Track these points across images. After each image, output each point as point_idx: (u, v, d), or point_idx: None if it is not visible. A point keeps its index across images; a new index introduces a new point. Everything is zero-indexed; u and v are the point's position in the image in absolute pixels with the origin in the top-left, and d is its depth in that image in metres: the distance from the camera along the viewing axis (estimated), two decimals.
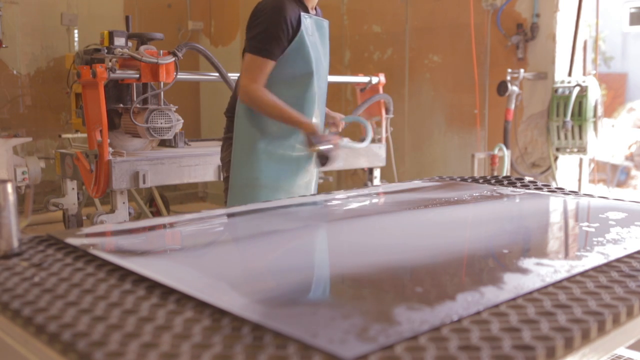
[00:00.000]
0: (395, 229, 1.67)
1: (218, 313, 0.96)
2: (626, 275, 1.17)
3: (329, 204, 1.99)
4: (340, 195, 2.09)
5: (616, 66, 14.20)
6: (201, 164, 3.63)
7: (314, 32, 2.41)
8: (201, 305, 0.99)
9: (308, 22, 2.36)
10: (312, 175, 2.59)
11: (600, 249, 1.35)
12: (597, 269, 1.20)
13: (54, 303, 1.00)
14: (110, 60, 3.41)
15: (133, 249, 1.41)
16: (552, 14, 4.26)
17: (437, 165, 5.01)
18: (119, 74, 3.37)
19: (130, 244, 1.48)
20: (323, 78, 2.50)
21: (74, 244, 1.36)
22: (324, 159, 2.24)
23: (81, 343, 0.84)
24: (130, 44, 3.69)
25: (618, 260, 1.27)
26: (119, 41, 3.57)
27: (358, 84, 4.50)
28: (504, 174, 3.98)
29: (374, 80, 4.41)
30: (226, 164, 2.52)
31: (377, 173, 4.43)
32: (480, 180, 2.33)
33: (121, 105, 3.56)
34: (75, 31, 5.77)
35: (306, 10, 2.38)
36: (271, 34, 2.27)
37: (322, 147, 2.23)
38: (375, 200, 2.12)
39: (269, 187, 2.40)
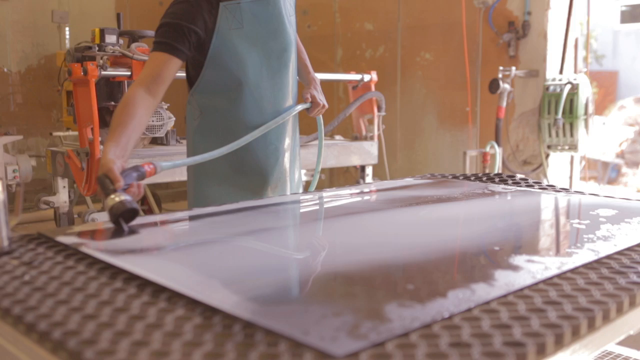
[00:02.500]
0: (387, 227, 1.67)
1: (209, 311, 0.96)
2: (616, 271, 1.17)
3: (321, 201, 1.99)
4: (332, 192, 2.09)
5: (607, 64, 14.26)
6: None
7: (249, 22, 1.95)
8: (192, 303, 0.99)
9: (237, 13, 1.93)
10: (281, 186, 2.20)
11: (590, 245, 1.35)
12: (588, 266, 1.21)
13: (44, 301, 1.00)
14: (101, 58, 3.40)
15: (124, 247, 1.41)
16: (544, 11, 4.28)
17: (429, 163, 5.01)
18: (110, 71, 3.36)
19: (122, 242, 1.48)
20: (278, 75, 2.06)
21: (65, 242, 1.36)
22: (120, 214, 1.49)
23: (71, 341, 0.84)
24: (121, 41, 3.68)
25: (608, 257, 1.27)
26: (110, 39, 3.56)
27: (350, 81, 4.50)
28: (496, 172, 4.00)
29: (366, 77, 4.41)
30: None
31: (369, 171, 4.44)
32: (472, 178, 2.33)
33: (113, 103, 3.55)
34: (67, 28, 5.74)
35: None
36: (174, 26, 1.88)
37: (119, 199, 1.49)
38: (367, 198, 2.12)
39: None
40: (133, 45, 3.50)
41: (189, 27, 1.87)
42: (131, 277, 1.13)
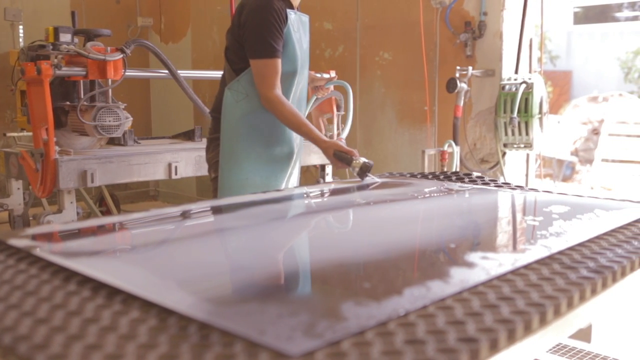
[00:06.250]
0: (345, 226, 1.68)
1: (165, 312, 0.95)
2: (567, 267, 1.20)
3: (279, 201, 1.98)
4: (291, 192, 2.09)
5: (561, 64, 14.55)
6: (151, 162, 3.58)
7: (298, 28, 2.43)
8: (148, 305, 0.98)
9: (293, 19, 2.38)
10: (297, 171, 2.66)
11: (543, 242, 1.38)
12: (540, 262, 1.24)
13: None
14: (55, 57, 3.33)
15: (79, 249, 1.39)
16: (499, 12, 4.34)
17: (389, 162, 5.05)
18: (65, 71, 3.30)
19: (77, 244, 1.45)
20: (305, 76, 2.54)
21: (17, 245, 1.33)
22: (366, 169, 2.22)
23: (22, 347, 0.82)
24: (76, 40, 3.62)
25: (560, 252, 1.30)
26: (65, 37, 3.49)
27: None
28: (454, 170, 4.05)
29: (325, 77, 4.40)
30: (214, 164, 2.52)
31: (329, 170, 4.44)
32: (430, 176, 2.36)
33: (68, 102, 3.48)
34: (20, 27, 5.61)
35: (291, 7, 2.39)
36: (270, 32, 2.28)
37: (362, 160, 2.22)
38: (325, 197, 2.13)
39: (259, 187, 2.40)
40: (88, 44, 3.44)
41: (279, 29, 2.30)
42: (85, 280, 1.11)
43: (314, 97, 2.91)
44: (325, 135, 4.37)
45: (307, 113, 2.76)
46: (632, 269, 1.26)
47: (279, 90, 2.33)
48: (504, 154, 4.34)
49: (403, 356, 0.80)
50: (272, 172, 2.47)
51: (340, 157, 2.27)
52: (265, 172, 2.45)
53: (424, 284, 1.07)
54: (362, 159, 2.22)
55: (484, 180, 2.24)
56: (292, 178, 2.60)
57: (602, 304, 1.16)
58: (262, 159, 2.45)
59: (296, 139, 2.56)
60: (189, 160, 3.69)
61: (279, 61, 2.32)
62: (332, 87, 2.87)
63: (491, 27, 4.37)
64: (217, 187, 2.50)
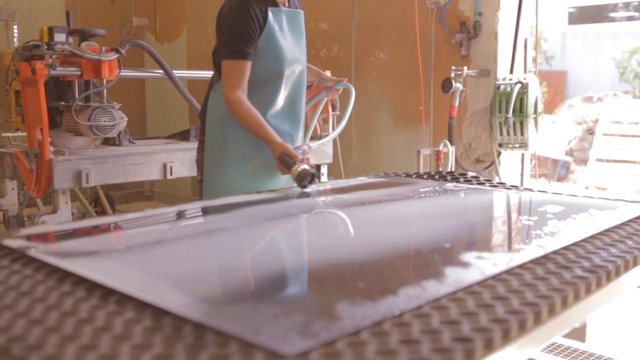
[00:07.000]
0: (340, 226, 1.68)
1: (159, 313, 0.95)
2: (562, 266, 1.20)
3: (274, 201, 1.98)
4: (287, 192, 2.09)
5: (556, 64, 14.57)
6: (146, 162, 3.58)
7: (286, 26, 2.34)
8: (142, 306, 0.98)
9: (279, 17, 2.30)
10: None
11: (538, 241, 1.38)
12: (535, 261, 1.24)
13: None
14: (50, 57, 3.32)
15: (73, 250, 1.38)
16: (494, 12, 4.35)
17: (384, 162, 5.05)
18: (60, 71, 3.29)
19: (71, 244, 1.45)
20: (299, 74, 2.44)
21: (12, 245, 1.33)
22: (306, 179, 2.04)
23: (16, 347, 0.82)
24: (71, 40, 3.61)
25: (554, 252, 1.30)
26: (60, 37, 3.48)
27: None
28: (449, 170, 4.05)
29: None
30: (200, 166, 2.49)
31: (324, 170, 4.44)
32: (425, 176, 2.36)
33: (62, 102, 3.47)
34: (15, 26, 5.60)
35: (275, 5, 2.31)
36: (240, 33, 2.22)
37: (301, 168, 2.06)
38: (321, 197, 2.13)
39: (244, 191, 2.29)
40: (83, 44, 3.43)
41: (253, 31, 2.23)
42: (80, 280, 1.11)
43: (324, 97, 2.80)
44: (321, 135, 4.37)
45: (307, 111, 2.67)
46: (627, 269, 1.26)
47: (241, 92, 2.25)
48: (499, 153, 4.34)
49: (398, 356, 0.80)
50: (258, 176, 2.40)
51: (283, 161, 2.12)
52: (251, 176, 2.38)
53: (419, 283, 1.08)
54: (303, 166, 2.05)
55: (479, 180, 2.24)
56: (281, 181, 2.48)
57: (596, 304, 1.16)
58: (247, 163, 2.38)
59: (287, 143, 2.46)
60: (184, 161, 3.69)
61: (247, 63, 2.24)
62: (341, 89, 2.79)
63: (486, 27, 4.38)
64: (201, 191, 2.46)
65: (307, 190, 2.07)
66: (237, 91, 2.23)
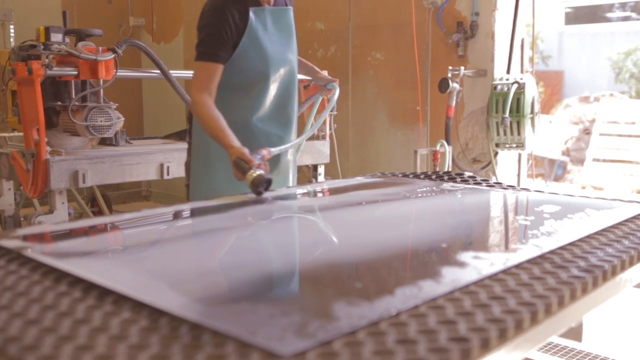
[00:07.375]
0: (337, 225, 1.68)
1: (156, 313, 0.95)
2: (558, 266, 1.21)
3: (271, 201, 1.98)
4: (284, 192, 2.09)
5: (553, 64, 14.59)
6: (143, 162, 3.57)
7: (271, 25, 2.27)
8: (139, 306, 0.98)
9: (262, 17, 2.24)
10: (290, 177, 2.47)
11: (535, 241, 1.38)
12: (531, 261, 1.24)
13: None
14: (46, 57, 3.32)
15: (70, 250, 1.38)
16: (491, 12, 4.35)
17: (381, 162, 5.05)
18: (56, 70, 3.28)
19: (68, 244, 1.45)
20: (288, 75, 2.36)
21: (8, 246, 1.32)
22: (262, 185, 1.91)
23: (12, 348, 0.82)
24: (67, 40, 3.60)
25: (551, 252, 1.31)
26: (56, 37, 3.47)
27: (302, 80, 4.49)
28: (446, 170, 4.05)
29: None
30: (188, 170, 2.46)
31: (321, 170, 4.44)
32: (422, 176, 2.36)
33: (59, 102, 3.47)
34: (11, 26, 5.59)
35: (258, 4, 2.24)
36: (213, 35, 2.16)
37: (256, 173, 1.92)
38: (318, 197, 2.13)
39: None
40: (80, 44, 3.43)
41: (226, 34, 2.16)
42: (76, 281, 1.10)
43: (319, 97, 2.78)
44: (319, 135, 4.37)
45: (304, 111, 2.59)
46: (623, 268, 1.26)
47: (207, 95, 2.15)
48: (496, 153, 4.35)
49: (394, 356, 0.80)
50: (243, 181, 2.21)
51: (238, 166, 1.98)
52: (237, 181, 2.21)
53: (415, 283, 1.08)
54: (259, 172, 1.92)
55: (475, 180, 2.24)
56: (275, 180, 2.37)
57: (592, 303, 1.16)
58: (230, 169, 2.21)
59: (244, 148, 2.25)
60: (181, 161, 3.66)
61: (217, 66, 2.17)
62: (337, 89, 2.67)
63: (483, 27, 4.38)
64: (188, 195, 2.42)
65: (307, 190, 2.07)
66: (202, 94, 2.16)
